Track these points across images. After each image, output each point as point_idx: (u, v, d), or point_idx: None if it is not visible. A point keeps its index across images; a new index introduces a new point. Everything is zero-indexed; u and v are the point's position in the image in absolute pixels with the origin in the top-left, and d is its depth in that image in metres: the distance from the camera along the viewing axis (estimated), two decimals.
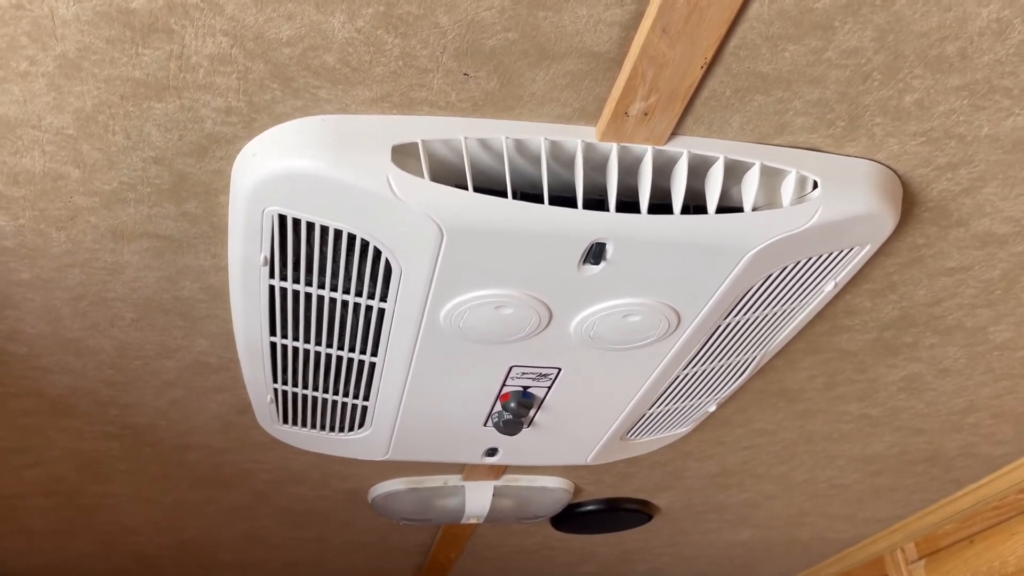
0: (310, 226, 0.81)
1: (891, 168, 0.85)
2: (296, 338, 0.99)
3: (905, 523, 1.96)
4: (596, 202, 0.79)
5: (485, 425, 1.18)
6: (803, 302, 0.98)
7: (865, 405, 1.35)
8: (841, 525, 1.97)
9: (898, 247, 0.97)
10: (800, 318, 1.02)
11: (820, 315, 1.10)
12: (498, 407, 1.12)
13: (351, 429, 1.20)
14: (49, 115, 0.71)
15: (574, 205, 0.78)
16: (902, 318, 1.11)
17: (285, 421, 1.20)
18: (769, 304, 0.97)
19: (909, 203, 0.90)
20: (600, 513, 1.72)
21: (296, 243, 0.84)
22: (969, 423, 1.44)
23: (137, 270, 0.91)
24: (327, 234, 0.82)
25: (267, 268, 0.87)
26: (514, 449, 1.27)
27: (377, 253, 0.83)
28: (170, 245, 0.88)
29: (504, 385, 1.07)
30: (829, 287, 0.96)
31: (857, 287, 1.04)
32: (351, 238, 0.82)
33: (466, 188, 0.76)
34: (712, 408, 1.24)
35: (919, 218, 0.92)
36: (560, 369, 1.04)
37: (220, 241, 0.88)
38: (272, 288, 0.90)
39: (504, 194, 0.77)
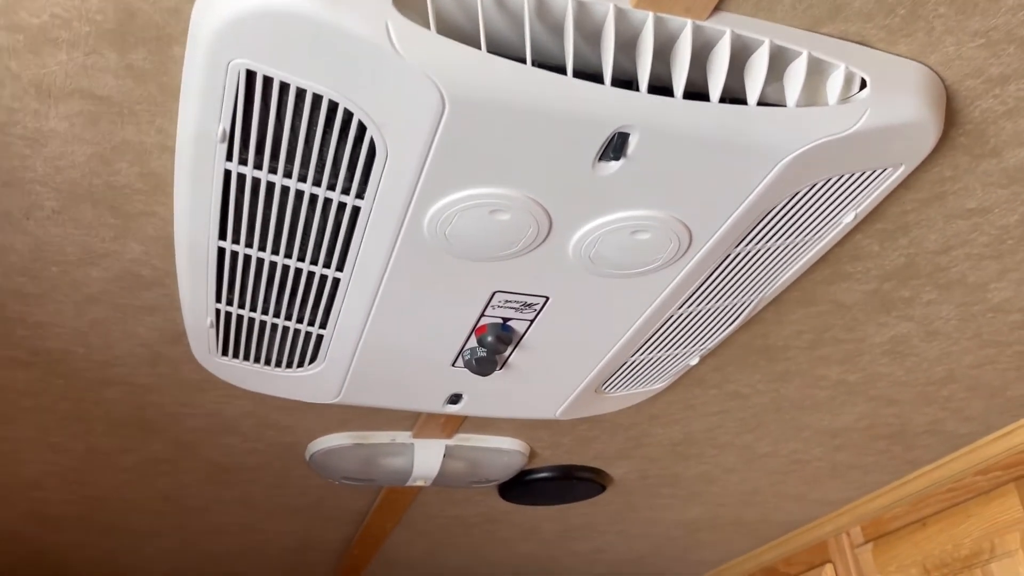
0: (283, 90, 0.68)
1: (940, 76, 0.76)
2: (250, 244, 0.86)
3: (853, 506, 1.93)
4: (623, 84, 0.69)
5: (454, 365, 1.06)
6: (819, 234, 0.90)
7: (845, 369, 1.29)
8: (791, 505, 1.92)
9: (922, 180, 0.90)
10: (810, 255, 0.94)
11: (824, 259, 1.02)
12: (472, 342, 1.00)
13: (301, 364, 1.07)
14: None
15: (600, 83, 0.67)
16: (906, 267, 1.04)
17: (225, 352, 1.05)
18: (785, 233, 0.88)
19: (948, 123, 0.82)
20: (552, 481, 1.62)
21: (263, 114, 0.71)
22: (943, 395, 1.39)
23: (65, 142, 0.76)
24: (302, 101, 0.69)
25: (225, 146, 0.73)
26: (480, 397, 1.15)
27: (361, 130, 0.71)
28: (108, 111, 0.73)
29: (483, 315, 0.96)
30: (849, 218, 0.88)
31: (870, 226, 0.96)
32: (332, 107, 0.69)
33: (478, 48, 0.64)
34: (694, 361, 1.15)
35: (954, 144, 0.85)
36: (548, 298, 0.93)
37: (169, 112, 0.74)
38: (228, 174, 0.77)
39: (521, 61, 0.65)
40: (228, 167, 0.76)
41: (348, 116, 0.69)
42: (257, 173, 0.76)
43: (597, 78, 0.68)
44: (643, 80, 0.67)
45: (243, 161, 0.75)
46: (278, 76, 0.66)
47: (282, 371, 1.08)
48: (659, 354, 1.11)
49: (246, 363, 1.07)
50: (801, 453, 1.61)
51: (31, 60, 0.68)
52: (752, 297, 1.01)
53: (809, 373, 1.30)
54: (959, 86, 0.78)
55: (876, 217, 0.95)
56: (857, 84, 0.73)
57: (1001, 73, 0.76)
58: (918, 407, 1.44)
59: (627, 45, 0.69)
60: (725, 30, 0.68)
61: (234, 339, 1.03)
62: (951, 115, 0.81)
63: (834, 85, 0.72)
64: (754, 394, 1.36)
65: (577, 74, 0.67)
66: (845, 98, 0.73)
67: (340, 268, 0.88)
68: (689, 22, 0.67)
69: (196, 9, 0.64)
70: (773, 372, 1.29)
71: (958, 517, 1.69)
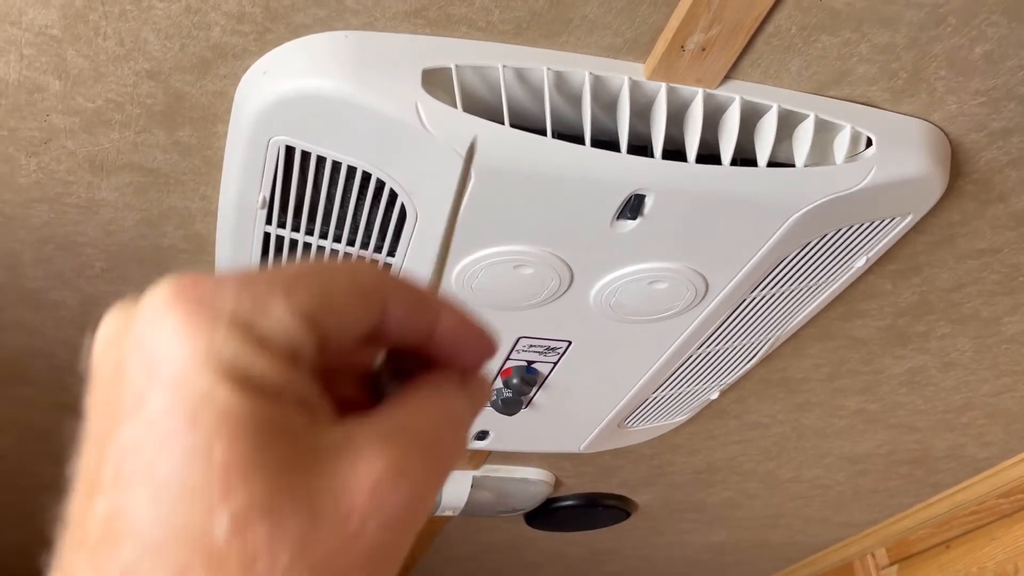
0: (320, 162, 0.72)
1: (944, 131, 0.80)
2: None
3: (878, 528, 1.94)
4: (638, 151, 0.73)
5: None
6: (832, 278, 0.93)
7: (864, 399, 1.31)
8: (815, 528, 1.93)
9: (932, 224, 0.93)
10: (824, 296, 0.97)
11: (838, 298, 1.05)
12: (498, 384, 1.04)
13: None
14: (32, 9, 0.61)
15: (617, 150, 0.71)
16: (920, 304, 1.07)
17: None
18: (798, 278, 0.91)
19: (954, 173, 0.85)
20: (578, 508, 1.65)
21: (301, 184, 0.75)
22: (962, 422, 1.41)
23: (115, 210, 0.81)
24: (338, 173, 0.73)
25: (265, 212, 0.78)
26: (506, 433, 1.19)
27: (392, 197, 0.75)
28: (155, 181, 0.78)
29: (508, 359, 1.00)
30: (860, 263, 0.91)
31: (882, 267, 0.99)
32: (365, 177, 0.73)
33: (501, 123, 0.68)
34: (715, 396, 1.19)
35: (961, 191, 0.88)
36: (570, 343, 0.97)
37: (212, 180, 0.79)
38: (267, 236, 0.81)
39: (542, 133, 0.69)
40: (268, 230, 0.80)
41: (380, 184, 0.74)
42: (294, 235, 0.81)
43: (614, 144, 0.72)
44: (657, 147, 0.71)
45: (281, 224, 0.80)
46: (315, 151, 0.71)
47: None
48: (680, 390, 1.14)
49: None
50: (824, 478, 1.63)
51: (86, 139, 0.73)
52: (769, 336, 1.04)
53: (828, 403, 1.32)
54: (963, 139, 0.81)
55: (888, 259, 0.98)
56: (864, 142, 0.77)
57: (1003, 127, 0.79)
58: (938, 433, 1.45)
59: (642, 111, 0.73)
60: (735, 97, 0.72)
61: None
62: (957, 166, 0.84)
63: (841, 144, 0.75)
64: (774, 424, 1.38)
65: (595, 141, 0.71)
66: (852, 156, 0.77)
67: None
68: (700, 91, 0.71)
69: (239, 92, 0.69)
70: (793, 403, 1.31)
71: (982, 540, 1.70)
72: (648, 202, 0.75)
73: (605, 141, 0.72)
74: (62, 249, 0.86)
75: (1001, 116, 0.78)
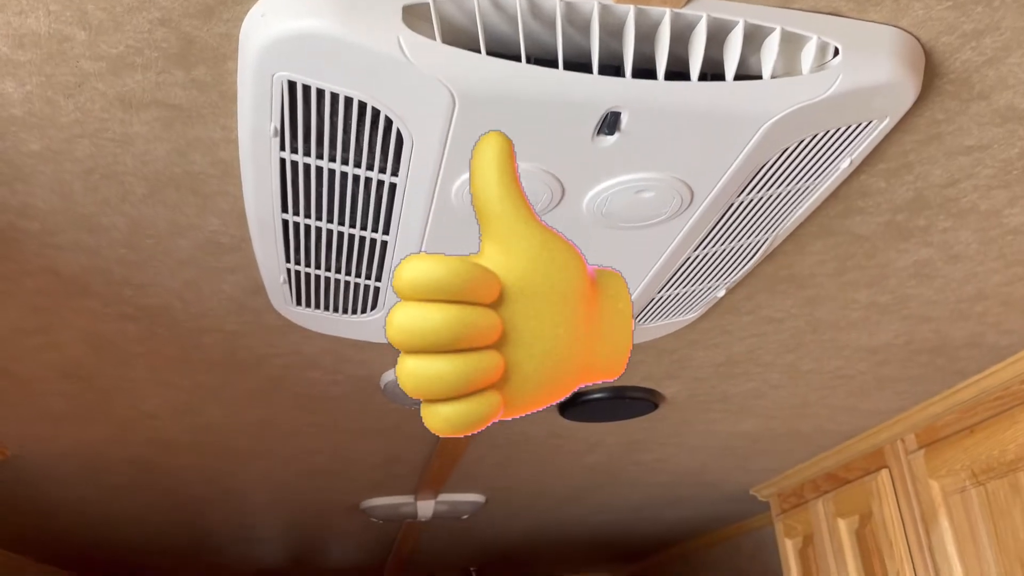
0: (320, 94, 0.80)
1: (914, 36, 0.82)
2: (308, 215, 0.99)
3: (907, 415, 2.00)
4: (612, 69, 0.78)
5: None
6: (818, 180, 0.97)
7: (874, 292, 1.36)
8: (843, 416, 2.00)
9: (916, 123, 0.96)
10: (814, 197, 1.01)
11: (833, 196, 1.09)
12: None
13: (364, 311, 1.21)
14: None
15: (589, 72, 0.76)
16: (916, 200, 1.10)
17: (298, 303, 1.21)
18: (784, 181, 0.96)
19: (931, 75, 0.88)
20: (607, 401, 1.75)
21: (307, 113, 0.83)
22: (977, 311, 1.45)
23: (147, 142, 0.90)
24: (337, 102, 0.81)
25: (278, 140, 0.86)
26: None
27: (388, 123, 0.82)
28: (179, 115, 0.87)
29: None
30: (845, 164, 0.95)
31: (872, 166, 1.03)
32: (362, 106, 0.80)
33: (478, 51, 0.74)
34: (721, 293, 1.25)
35: (940, 91, 0.90)
36: None
37: (230, 112, 0.87)
38: (283, 161, 0.90)
39: (518, 59, 0.75)
40: (283, 156, 0.89)
41: (376, 113, 0.81)
42: (307, 160, 0.89)
43: (588, 65, 0.77)
44: (628, 66, 0.76)
45: (294, 150, 0.88)
46: (314, 84, 0.78)
47: (348, 317, 1.23)
48: (684, 289, 1.21)
49: (317, 311, 1.23)
50: (845, 369, 1.69)
51: (114, 81, 0.82)
52: (766, 236, 1.09)
53: (839, 297, 1.37)
54: (935, 43, 0.83)
55: (877, 159, 1.02)
56: (831, 51, 0.80)
57: (975, 29, 0.82)
58: (954, 323, 1.49)
59: (616, 32, 0.78)
60: (701, 15, 0.76)
61: (304, 292, 1.18)
62: (933, 67, 0.87)
63: (808, 54, 0.79)
64: (788, 318, 1.44)
65: (569, 63, 0.77)
66: (820, 65, 0.80)
67: (386, 232, 1.01)
68: (668, 11, 0.76)
69: (243, 33, 0.76)
70: (803, 297, 1.37)
71: (1004, 423, 1.76)
72: (624, 118, 0.81)
73: (580, 63, 0.77)
74: (105, 178, 0.96)
75: (970, 19, 0.80)
